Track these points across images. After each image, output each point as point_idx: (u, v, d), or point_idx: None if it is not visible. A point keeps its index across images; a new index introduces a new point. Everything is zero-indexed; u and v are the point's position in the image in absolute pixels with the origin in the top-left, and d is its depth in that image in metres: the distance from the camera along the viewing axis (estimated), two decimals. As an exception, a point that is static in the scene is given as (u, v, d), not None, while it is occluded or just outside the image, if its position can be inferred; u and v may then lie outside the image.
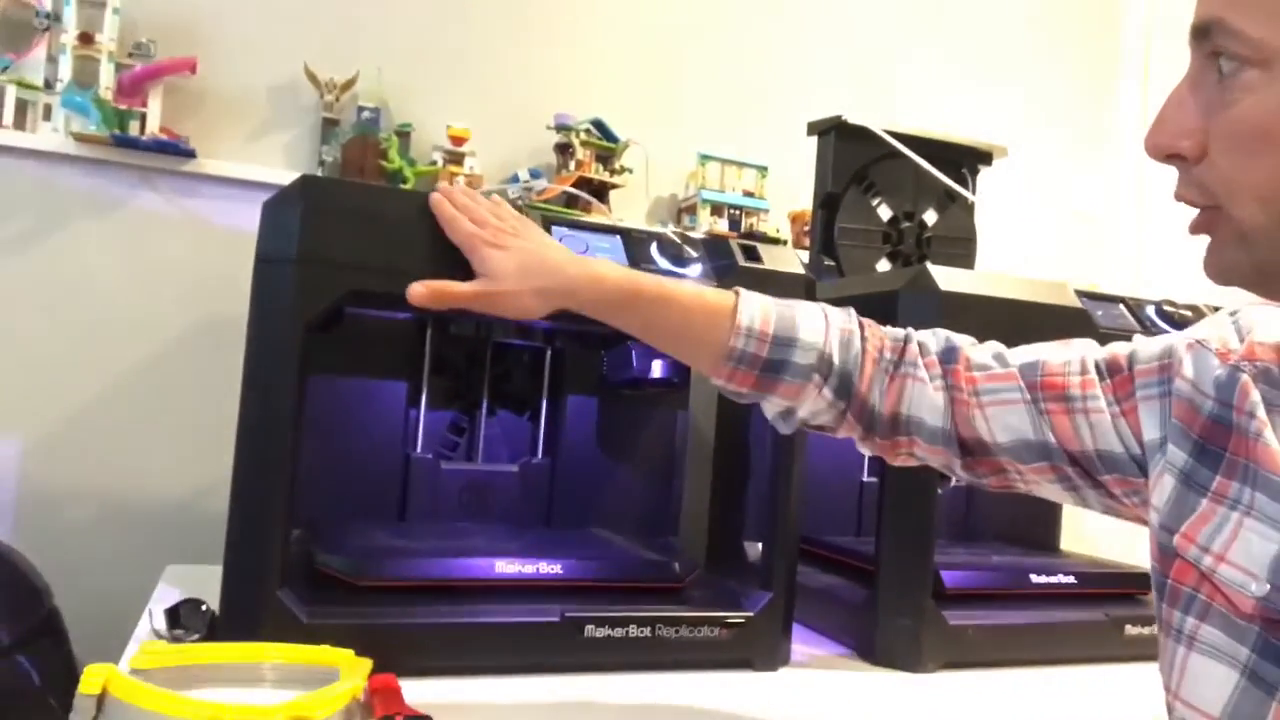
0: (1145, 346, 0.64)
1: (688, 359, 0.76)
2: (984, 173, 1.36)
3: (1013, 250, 1.62)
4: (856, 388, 0.70)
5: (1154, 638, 0.81)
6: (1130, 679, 0.97)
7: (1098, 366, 0.65)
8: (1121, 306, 1.07)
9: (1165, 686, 0.55)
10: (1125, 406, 0.63)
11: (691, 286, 0.75)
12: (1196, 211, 0.53)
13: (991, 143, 1.35)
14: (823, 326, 0.71)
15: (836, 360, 0.70)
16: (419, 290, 0.72)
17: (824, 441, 1.18)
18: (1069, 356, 0.67)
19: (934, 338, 0.73)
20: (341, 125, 1.28)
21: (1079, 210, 1.77)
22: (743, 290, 0.73)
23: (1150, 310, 1.08)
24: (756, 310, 0.71)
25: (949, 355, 0.71)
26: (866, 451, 0.75)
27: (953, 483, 0.72)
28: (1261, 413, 0.53)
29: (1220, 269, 0.53)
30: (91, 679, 0.62)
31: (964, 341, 0.72)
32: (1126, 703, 0.90)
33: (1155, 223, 1.78)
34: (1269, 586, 0.49)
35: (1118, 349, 0.66)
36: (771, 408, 0.73)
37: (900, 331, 0.74)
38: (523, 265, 0.72)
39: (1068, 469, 0.66)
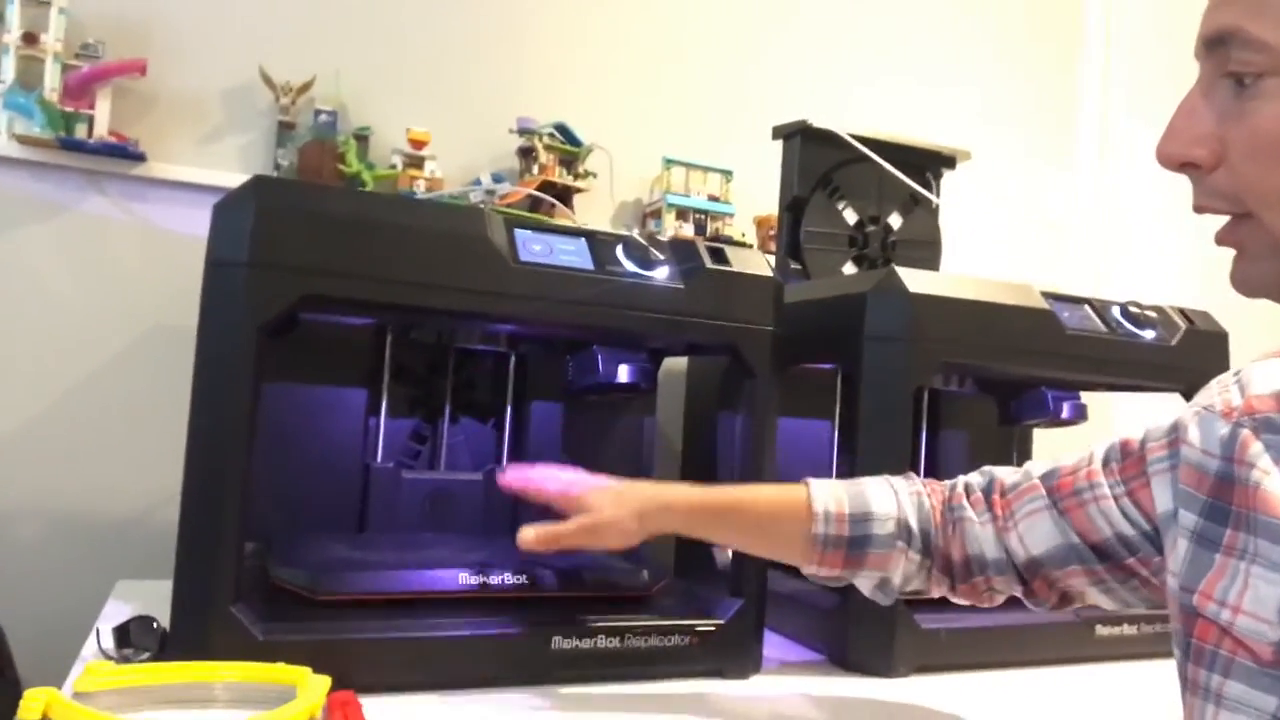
0: (1156, 428, 0.66)
1: (777, 555, 0.81)
2: (947, 176, 1.37)
3: (976, 254, 1.62)
4: (935, 544, 0.76)
5: (1125, 638, 0.81)
6: (1102, 679, 0.97)
7: (1108, 454, 0.69)
8: (1087, 308, 1.08)
9: None
10: (1133, 485, 0.66)
11: (766, 487, 0.82)
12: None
13: (955, 146, 1.36)
14: (891, 494, 0.77)
15: (914, 523, 0.76)
16: (530, 536, 0.78)
17: (793, 445, 1.18)
18: (1080, 456, 0.71)
19: (979, 476, 0.77)
20: (298, 129, 1.25)
21: (1047, 220, 1.79)
22: (811, 480, 0.79)
23: (1116, 312, 1.09)
24: (829, 496, 0.77)
25: (989, 488, 0.76)
26: (964, 601, 0.78)
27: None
28: (1264, 462, 0.53)
29: (1249, 281, 0.53)
30: (31, 704, 0.59)
31: (1003, 471, 0.76)
32: (1098, 702, 0.90)
33: (1115, 227, 1.80)
34: None
35: (1130, 435, 0.68)
36: (867, 582, 0.77)
37: (950, 481, 0.79)
38: (617, 495, 0.80)
39: (1097, 567, 0.69)
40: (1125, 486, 0.66)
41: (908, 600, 0.93)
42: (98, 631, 0.82)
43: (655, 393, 1.12)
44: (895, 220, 1.31)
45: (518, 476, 0.85)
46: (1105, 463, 0.69)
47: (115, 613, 0.87)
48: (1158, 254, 1.73)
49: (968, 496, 0.76)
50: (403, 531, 1.02)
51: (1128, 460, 0.67)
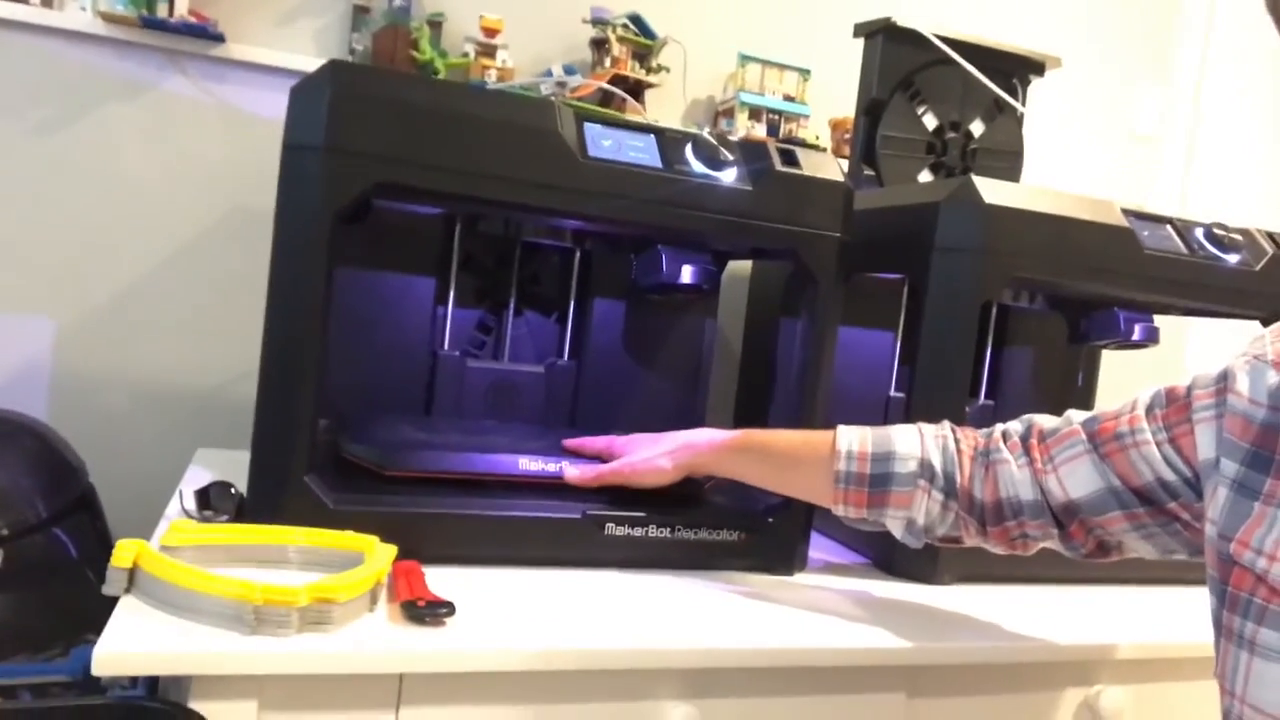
0: (1204, 375, 0.66)
1: (804, 493, 0.84)
2: (1034, 84, 1.31)
3: (1060, 167, 1.56)
4: (960, 484, 0.76)
5: (1171, 561, 0.82)
6: (1142, 600, 0.98)
7: (1153, 401, 0.69)
8: (1169, 228, 1.04)
9: (1228, 692, 0.56)
10: (1176, 432, 0.66)
11: (794, 431, 0.85)
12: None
13: (1044, 52, 1.29)
14: (917, 437, 0.78)
15: (937, 464, 0.76)
16: (575, 474, 0.86)
17: (854, 355, 1.18)
18: (1125, 402, 0.72)
19: (1018, 424, 0.78)
20: (373, 13, 1.25)
21: (1138, 134, 1.70)
22: (840, 426, 0.81)
23: (1199, 233, 1.04)
24: (854, 436, 0.79)
25: (1027, 434, 0.76)
26: (998, 550, 0.78)
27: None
28: None
29: None
30: (123, 553, 0.64)
31: (1042, 418, 0.76)
32: (1136, 623, 0.91)
33: (1208, 148, 1.71)
34: None
35: (1178, 383, 0.68)
36: (896, 523, 0.78)
37: (988, 429, 0.79)
38: (653, 439, 0.88)
39: (1139, 510, 0.69)
40: (1169, 433, 0.67)
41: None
42: (180, 494, 0.87)
43: (717, 295, 1.13)
44: (977, 128, 1.27)
45: (574, 442, 0.93)
46: (1149, 409, 0.69)
47: (196, 478, 0.93)
48: (1252, 176, 1.64)
49: (1005, 441, 0.76)
50: (466, 418, 1.05)
51: (1172, 406, 0.67)
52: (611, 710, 0.70)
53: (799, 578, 0.91)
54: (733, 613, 0.78)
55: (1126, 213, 1.01)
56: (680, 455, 0.85)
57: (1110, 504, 0.70)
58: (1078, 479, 0.71)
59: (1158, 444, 0.67)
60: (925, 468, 0.76)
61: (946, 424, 0.80)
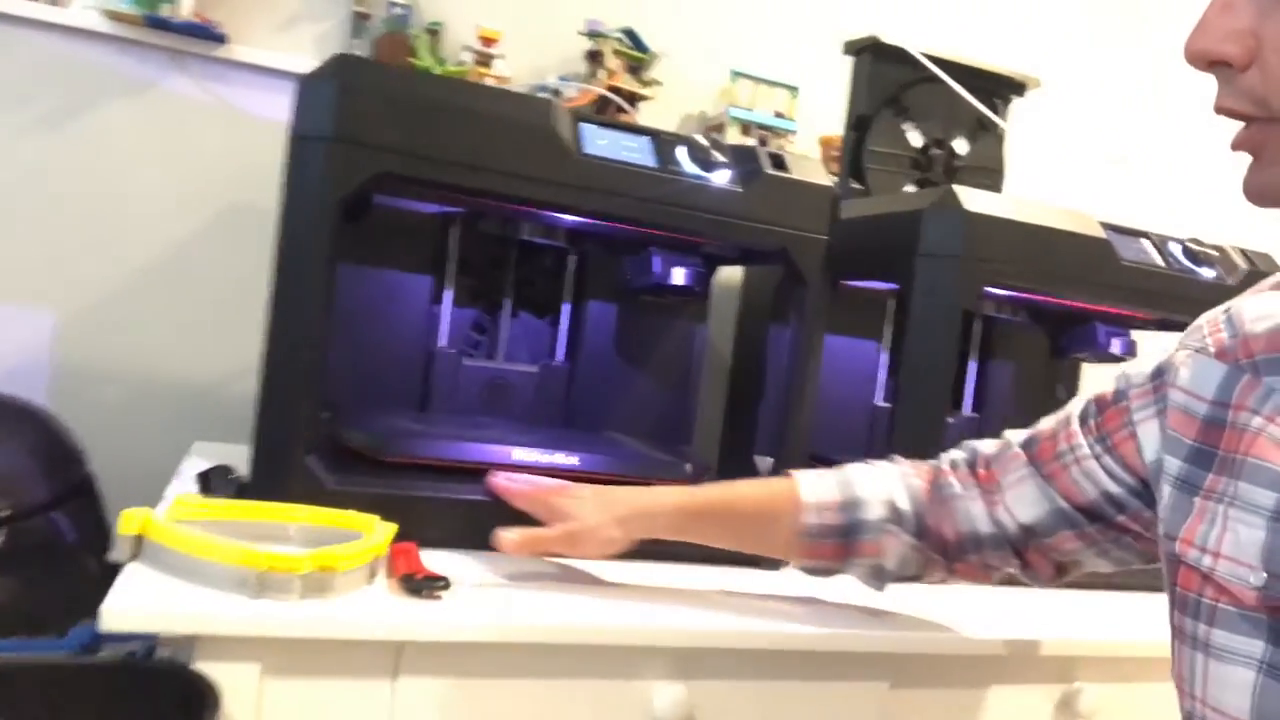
0: (1139, 371, 0.64)
1: (769, 548, 0.80)
2: (1015, 103, 1.35)
3: (1040, 184, 1.60)
4: (927, 524, 0.73)
5: (1155, 568, 0.83)
6: (1123, 602, 1.00)
7: (1084, 413, 0.67)
8: (1145, 241, 1.08)
9: (1188, 694, 0.54)
10: (1115, 440, 0.64)
11: (752, 482, 0.80)
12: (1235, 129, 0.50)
13: (1025, 73, 1.34)
14: (879, 478, 0.75)
15: (904, 505, 0.74)
16: (511, 540, 0.73)
17: (838, 364, 1.21)
18: (1059, 417, 0.70)
19: (960, 451, 0.76)
20: (372, 20, 1.28)
21: (1117, 154, 1.75)
22: (795, 472, 0.77)
23: (1175, 248, 1.08)
24: (818, 485, 0.75)
25: (972, 461, 0.74)
26: (967, 582, 0.77)
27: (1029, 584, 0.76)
28: (1268, 408, 0.51)
29: (1264, 189, 0.50)
30: (130, 521, 0.65)
31: (983, 443, 0.75)
32: (1116, 621, 0.93)
33: (1189, 166, 1.76)
34: (1266, 575, 0.48)
35: (1106, 388, 0.67)
36: (859, 570, 0.76)
37: (934, 461, 0.77)
38: (599, 501, 0.76)
39: (1088, 529, 0.67)
40: (1106, 443, 0.65)
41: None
42: (181, 477, 0.88)
43: (708, 301, 1.15)
44: (961, 145, 1.31)
45: (505, 480, 0.80)
46: (1083, 421, 0.67)
47: (193, 468, 0.94)
48: (1231, 197, 1.69)
49: (953, 472, 0.74)
50: (461, 414, 1.07)
51: (1106, 414, 0.65)
52: (603, 688, 0.71)
53: (786, 572, 0.93)
54: (722, 599, 0.80)
55: (1104, 225, 1.04)
56: (633, 526, 0.76)
57: (1060, 524, 0.68)
58: (1025, 503, 0.69)
59: (1096, 457, 0.65)
60: (892, 510, 0.73)
61: (899, 459, 0.78)
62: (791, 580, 0.90)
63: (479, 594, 0.70)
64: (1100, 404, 0.66)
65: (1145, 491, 0.63)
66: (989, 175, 1.34)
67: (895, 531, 0.73)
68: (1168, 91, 1.78)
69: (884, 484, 0.75)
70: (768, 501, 0.76)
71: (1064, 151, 1.71)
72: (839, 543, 0.74)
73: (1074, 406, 0.69)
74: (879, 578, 0.76)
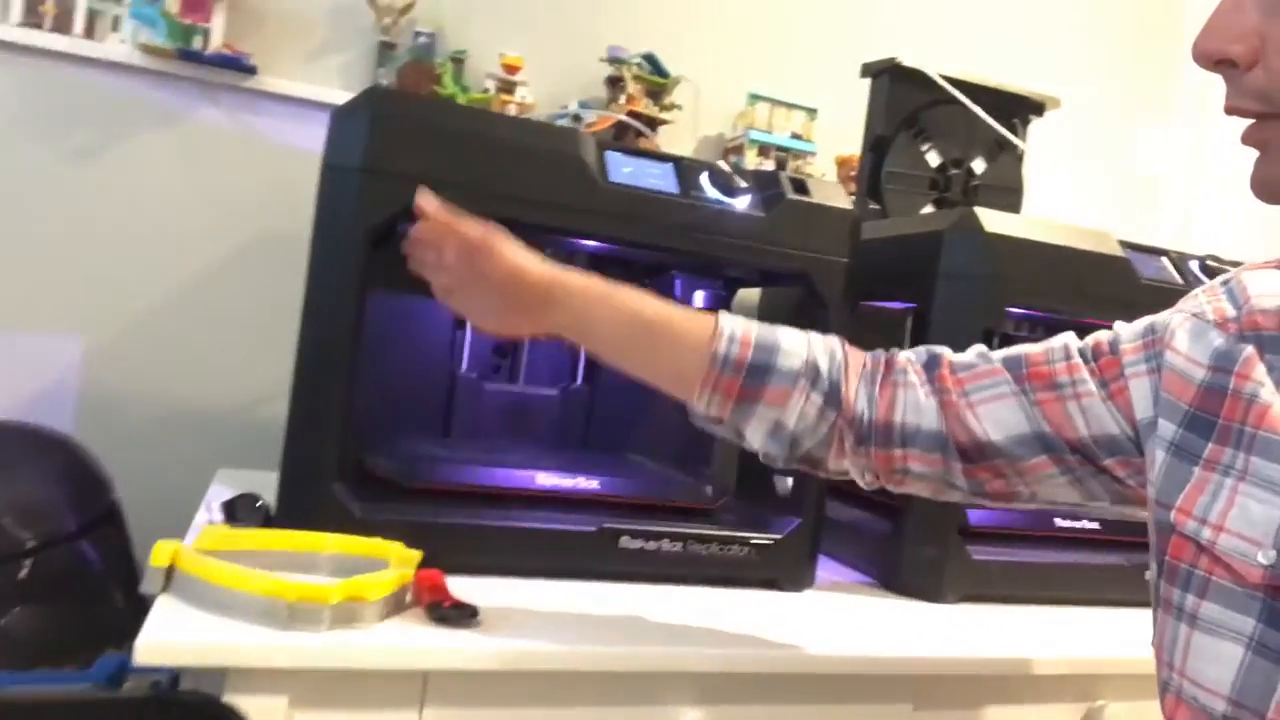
0: (1127, 328, 0.63)
1: (664, 371, 0.71)
2: (1035, 123, 1.35)
3: (1059, 205, 1.60)
4: (844, 395, 0.68)
5: None
6: (1146, 621, 0.99)
7: (1081, 352, 0.64)
8: (1164, 260, 1.07)
9: (1166, 664, 0.54)
10: (1114, 388, 0.62)
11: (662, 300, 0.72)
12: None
13: (1044, 93, 1.34)
14: (804, 338, 0.70)
15: (822, 367, 0.68)
16: (430, 199, 0.69)
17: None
18: (1051, 345, 0.66)
19: (915, 352, 0.71)
20: (398, 49, 1.30)
21: (1137, 174, 1.75)
22: (722, 311, 0.72)
23: (1194, 265, 1.08)
24: (738, 323, 0.70)
25: (933, 362, 0.69)
26: (864, 479, 0.71)
27: (955, 498, 0.71)
28: (1271, 381, 0.51)
29: (1269, 184, 0.51)
30: (161, 553, 0.67)
31: (945, 350, 0.70)
32: (1138, 641, 0.93)
33: (1208, 184, 1.75)
34: (1276, 554, 0.48)
35: (1099, 335, 0.65)
36: (760, 425, 0.69)
37: (880, 352, 0.72)
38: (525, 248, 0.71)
39: (1069, 458, 0.64)
40: (1107, 389, 0.62)
41: (960, 531, 0.97)
42: (207, 506, 0.90)
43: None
44: (979, 165, 1.31)
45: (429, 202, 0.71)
46: (1084, 358, 0.64)
47: (219, 495, 0.95)
48: (1250, 214, 1.68)
49: (908, 364, 0.69)
50: (484, 438, 1.08)
51: (1101, 360, 0.63)
52: (628, 715, 0.72)
53: (807, 594, 0.93)
54: (744, 623, 0.80)
55: (1123, 244, 1.04)
56: (551, 271, 0.70)
57: (1035, 449, 0.64)
58: (999, 420, 0.65)
59: (1101, 399, 0.62)
60: (809, 367, 0.68)
61: (835, 337, 0.72)
62: (812, 604, 0.90)
63: (505, 622, 0.71)
64: (1097, 350, 0.64)
65: (1138, 440, 0.61)
66: (1008, 195, 1.34)
67: (805, 388, 0.67)
68: (1181, 109, 1.78)
69: (810, 344, 0.69)
70: (684, 321, 0.70)
71: (1085, 171, 1.71)
72: (745, 382, 0.67)
73: (1069, 340, 0.65)
74: (776, 438, 0.68)
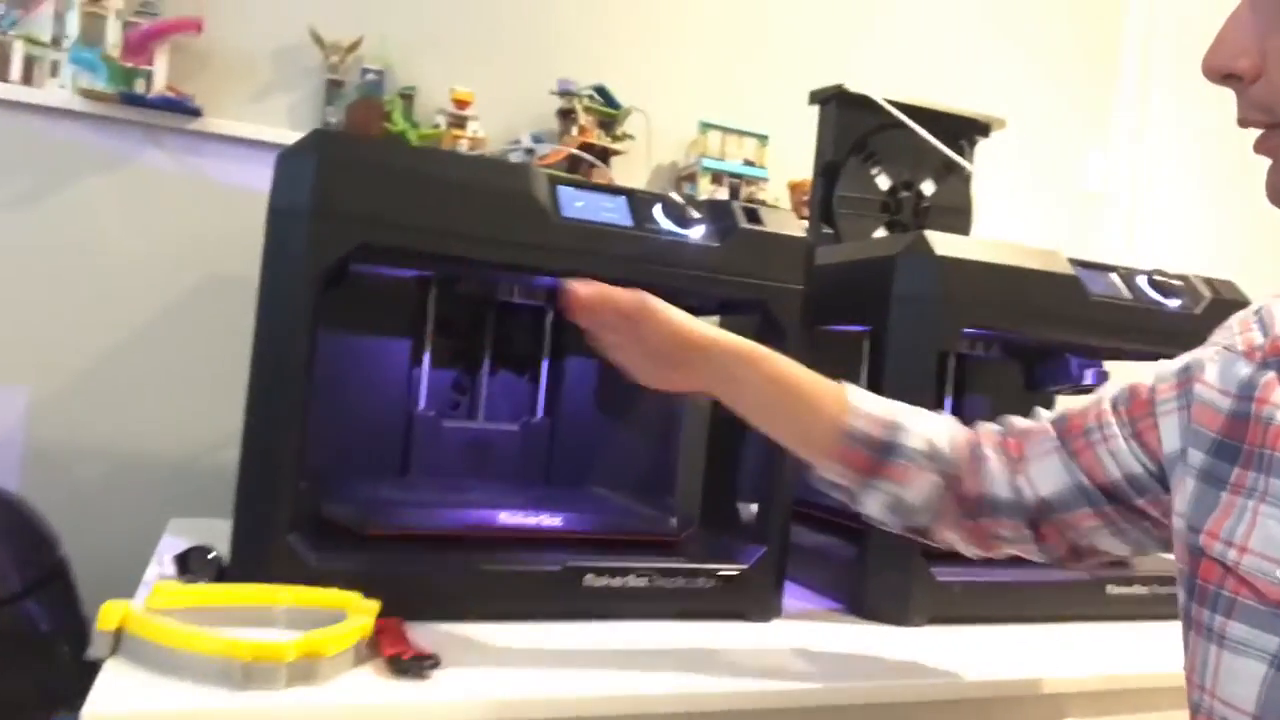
0: (1166, 367, 0.66)
1: (801, 434, 0.76)
2: (981, 144, 1.38)
3: (1008, 223, 1.63)
4: (957, 473, 0.74)
5: (1136, 597, 0.83)
6: (1110, 636, 1.00)
7: (1116, 398, 0.70)
8: (1114, 275, 1.09)
9: (1197, 686, 0.56)
10: (1141, 426, 0.66)
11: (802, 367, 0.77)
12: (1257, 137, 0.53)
13: (990, 114, 1.37)
14: (929, 417, 0.76)
15: (943, 447, 0.74)
16: (582, 288, 0.73)
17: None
18: (1092, 399, 0.72)
19: (996, 423, 0.78)
20: (346, 87, 1.29)
21: (1081, 191, 1.79)
22: (848, 384, 0.77)
23: (1142, 280, 1.10)
24: (868, 397, 0.76)
25: (1004, 433, 0.76)
26: (969, 548, 0.77)
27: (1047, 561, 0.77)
28: None
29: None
30: (109, 615, 0.64)
31: (1016, 418, 0.77)
32: (1105, 656, 0.93)
33: (1150, 200, 1.80)
34: None
35: (1140, 378, 0.69)
36: (880, 497, 0.74)
37: (979, 424, 0.78)
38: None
39: (1107, 508, 0.69)
40: (1133, 428, 0.67)
41: (924, 554, 0.97)
42: (159, 560, 0.87)
43: (687, 351, 1.16)
44: (928, 187, 1.33)
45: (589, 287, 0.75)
46: (1114, 404, 0.69)
47: (171, 546, 0.93)
48: (1192, 228, 1.73)
49: (986, 437, 0.76)
50: (444, 476, 1.06)
51: (1135, 401, 0.68)
52: (597, 758, 0.70)
53: (775, 624, 0.93)
54: (713, 659, 0.80)
55: (1072, 261, 1.06)
56: (696, 331, 0.74)
57: (1079, 500, 0.70)
58: (1047, 476, 0.71)
59: (1125, 439, 0.67)
60: (930, 447, 0.74)
61: (949, 415, 0.79)
62: (780, 634, 0.89)
63: (468, 670, 0.69)
64: (1134, 393, 0.68)
65: (1163, 478, 0.65)
66: (958, 215, 1.36)
67: (927, 467, 0.73)
68: (1123, 127, 1.82)
69: (930, 423, 0.76)
70: (819, 389, 0.75)
71: (1032, 189, 1.75)
72: (873, 456, 0.73)
73: (1107, 391, 0.71)
74: (895, 511, 0.75)
